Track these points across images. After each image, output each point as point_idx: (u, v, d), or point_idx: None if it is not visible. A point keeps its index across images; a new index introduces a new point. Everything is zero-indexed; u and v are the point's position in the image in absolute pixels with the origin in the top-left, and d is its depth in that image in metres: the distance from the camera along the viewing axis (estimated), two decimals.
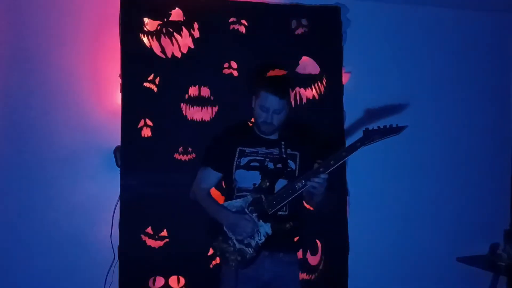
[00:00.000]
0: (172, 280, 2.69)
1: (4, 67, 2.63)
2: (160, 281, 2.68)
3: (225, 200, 2.30)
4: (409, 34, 3.25)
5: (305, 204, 2.45)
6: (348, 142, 2.95)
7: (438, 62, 3.31)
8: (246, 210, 2.19)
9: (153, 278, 2.67)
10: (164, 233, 2.67)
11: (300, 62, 2.89)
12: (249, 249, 2.18)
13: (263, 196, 2.17)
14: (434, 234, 3.28)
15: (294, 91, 2.86)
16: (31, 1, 2.66)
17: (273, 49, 2.84)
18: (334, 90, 2.94)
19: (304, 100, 2.88)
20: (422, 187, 3.28)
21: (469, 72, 3.38)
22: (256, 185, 2.20)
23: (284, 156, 2.24)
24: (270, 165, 2.23)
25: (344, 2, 3.00)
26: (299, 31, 2.90)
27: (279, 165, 2.24)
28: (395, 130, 2.11)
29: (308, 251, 2.88)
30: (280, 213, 2.20)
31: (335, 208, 2.86)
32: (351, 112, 3.00)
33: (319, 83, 2.91)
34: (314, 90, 2.90)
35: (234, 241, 2.20)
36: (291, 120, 2.35)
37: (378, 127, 2.11)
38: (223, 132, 2.46)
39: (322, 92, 2.91)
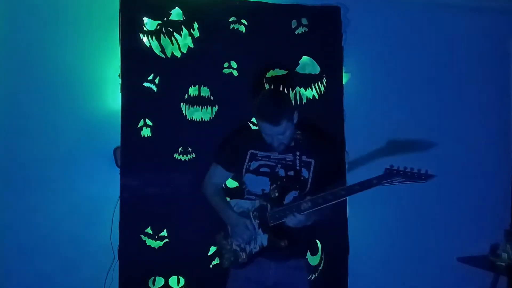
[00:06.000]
0: (172, 280, 2.69)
1: (4, 67, 2.63)
2: (160, 281, 2.68)
3: (237, 198, 2.25)
4: (409, 34, 3.24)
5: None
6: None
7: (438, 61, 3.31)
8: (251, 215, 2.14)
9: (153, 278, 2.66)
10: (164, 233, 2.67)
11: (300, 62, 2.89)
12: (243, 253, 2.15)
13: (269, 206, 2.10)
14: (435, 234, 3.28)
15: (294, 91, 2.86)
16: (31, 1, 2.66)
17: (273, 49, 2.84)
18: (334, 90, 2.94)
19: (304, 100, 2.88)
20: (423, 187, 3.25)
21: (469, 71, 3.37)
22: (265, 191, 2.13)
23: (298, 164, 2.13)
24: (281, 172, 2.13)
25: (344, 2, 3.00)
26: (299, 31, 2.89)
27: (291, 173, 2.13)
28: (421, 177, 1.87)
29: (308, 251, 2.87)
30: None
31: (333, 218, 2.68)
32: (351, 112, 3.00)
33: (319, 83, 2.91)
34: (314, 90, 2.90)
35: (232, 240, 2.19)
36: (308, 124, 2.23)
37: (404, 168, 1.88)
38: (237, 132, 2.40)
39: (322, 92, 2.91)
